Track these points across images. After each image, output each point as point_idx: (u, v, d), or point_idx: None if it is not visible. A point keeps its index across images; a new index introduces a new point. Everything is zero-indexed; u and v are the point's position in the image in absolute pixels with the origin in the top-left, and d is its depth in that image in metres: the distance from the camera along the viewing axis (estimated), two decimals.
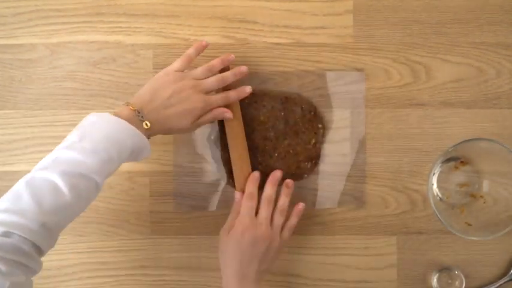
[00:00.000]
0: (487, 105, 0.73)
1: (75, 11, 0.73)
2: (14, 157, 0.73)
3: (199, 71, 0.66)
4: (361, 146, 0.73)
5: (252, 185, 0.68)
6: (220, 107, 0.66)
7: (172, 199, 0.73)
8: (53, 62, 0.73)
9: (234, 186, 0.71)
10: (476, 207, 0.72)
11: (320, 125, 0.72)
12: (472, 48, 0.73)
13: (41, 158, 0.72)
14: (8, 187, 0.73)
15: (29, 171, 0.73)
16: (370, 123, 0.73)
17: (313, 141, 0.72)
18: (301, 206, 0.69)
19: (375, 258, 0.73)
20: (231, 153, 0.69)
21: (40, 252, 0.54)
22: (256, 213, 0.66)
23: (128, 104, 0.61)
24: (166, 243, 0.73)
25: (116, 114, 0.59)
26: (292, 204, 0.69)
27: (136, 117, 0.60)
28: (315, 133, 0.72)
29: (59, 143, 0.72)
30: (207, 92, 0.65)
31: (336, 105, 0.73)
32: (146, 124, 0.60)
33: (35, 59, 0.73)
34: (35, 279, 0.73)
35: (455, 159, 0.73)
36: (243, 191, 0.68)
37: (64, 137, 0.72)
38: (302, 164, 0.72)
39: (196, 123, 0.65)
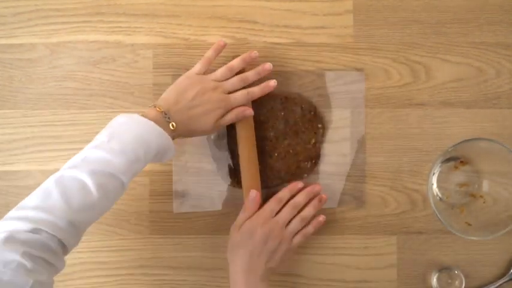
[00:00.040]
0: (487, 105, 0.73)
1: (75, 11, 0.73)
2: (14, 157, 0.73)
3: (219, 72, 0.67)
4: (361, 146, 0.73)
5: (287, 190, 0.69)
6: (242, 105, 0.67)
7: (173, 199, 0.73)
8: (53, 62, 0.73)
9: (236, 186, 0.71)
10: (476, 207, 0.72)
11: (320, 125, 0.72)
12: (472, 48, 0.73)
13: (41, 158, 0.73)
14: (8, 187, 0.73)
15: (28, 171, 0.74)
16: (370, 123, 0.73)
17: (313, 141, 0.72)
18: (322, 218, 0.70)
19: (375, 258, 0.73)
20: (240, 153, 0.69)
21: (65, 250, 0.55)
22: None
23: (155, 105, 0.63)
24: (166, 243, 0.73)
25: (143, 115, 0.61)
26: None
27: (163, 118, 0.62)
28: (315, 133, 0.72)
29: (59, 142, 0.73)
30: (229, 93, 0.67)
31: (335, 105, 0.73)
32: (172, 125, 0.62)
33: (35, 59, 0.73)
34: None
35: (455, 159, 0.73)
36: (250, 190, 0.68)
37: (64, 136, 0.73)
38: (302, 163, 0.72)
39: (218, 123, 0.66)
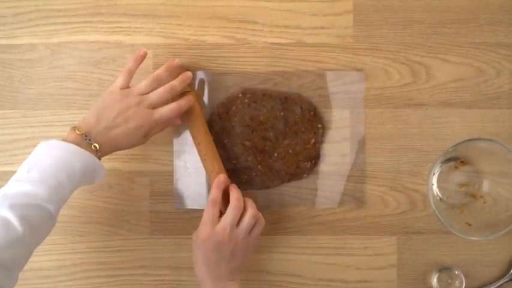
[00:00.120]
0: (487, 105, 0.73)
1: (75, 11, 0.73)
2: (14, 157, 0.73)
3: (143, 85, 0.64)
4: (361, 146, 0.73)
5: (215, 190, 0.65)
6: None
7: (173, 199, 0.73)
8: (53, 62, 0.73)
9: None
10: (476, 207, 0.72)
11: (320, 125, 0.72)
12: (472, 48, 0.73)
13: None
14: None
15: None
16: (370, 123, 0.73)
17: (313, 141, 0.72)
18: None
19: (375, 258, 0.73)
20: (198, 153, 0.69)
21: None
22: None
23: (74, 128, 0.61)
24: (166, 243, 0.73)
25: (63, 140, 0.59)
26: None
27: (84, 140, 0.60)
28: (315, 133, 0.72)
29: None
30: (155, 106, 0.64)
31: (335, 105, 0.73)
32: (95, 146, 0.60)
33: (35, 59, 0.73)
34: (35, 279, 0.73)
35: (455, 159, 0.73)
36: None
37: (63, 136, 0.73)
38: (302, 163, 0.72)
39: (147, 138, 0.65)
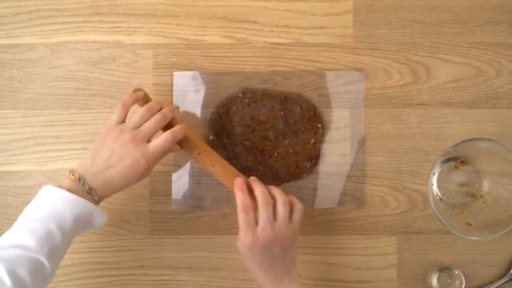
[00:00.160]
0: (487, 105, 0.73)
1: (75, 11, 0.73)
2: (14, 157, 0.73)
3: (136, 118, 0.62)
4: (361, 146, 0.73)
5: (240, 194, 0.62)
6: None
7: (172, 199, 0.73)
8: (53, 62, 0.73)
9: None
10: (476, 207, 0.72)
11: (320, 125, 0.72)
12: (472, 48, 0.73)
13: (41, 158, 0.73)
14: (8, 187, 0.73)
15: (28, 171, 0.74)
16: (370, 123, 0.73)
17: (313, 141, 0.72)
18: (290, 196, 0.64)
19: (375, 258, 0.73)
20: (202, 164, 0.67)
21: None
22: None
23: (70, 171, 0.59)
24: (166, 243, 0.73)
25: (59, 185, 0.58)
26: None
27: (79, 185, 0.58)
28: (315, 133, 0.72)
29: (59, 142, 0.73)
30: (149, 139, 0.62)
31: (335, 105, 0.73)
32: (90, 190, 0.58)
33: (35, 59, 0.73)
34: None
35: (455, 159, 0.73)
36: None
37: (64, 136, 0.73)
38: (301, 163, 0.72)
39: (147, 173, 0.62)
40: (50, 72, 0.73)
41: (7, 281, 0.51)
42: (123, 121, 0.63)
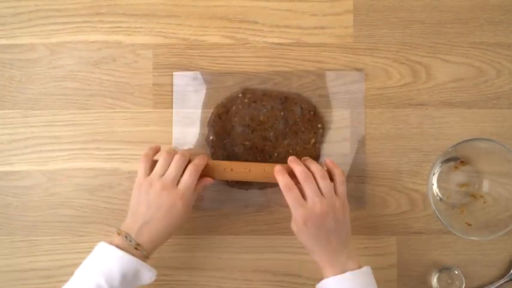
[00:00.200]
0: (487, 105, 0.73)
1: (75, 11, 0.73)
2: (14, 157, 0.73)
3: (159, 166, 0.64)
4: (361, 146, 0.73)
5: (281, 177, 0.64)
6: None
7: None
8: (53, 62, 0.73)
9: (235, 186, 0.71)
10: (476, 207, 0.72)
11: (319, 125, 0.72)
12: (472, 48, 0.73)
13: (41, 158, 0.73)
14: (8, 187, 0.73)
15: (28, 171, 0.74)
16: (370, 123, 0.73)
17: (313, 141, 0.72)
18: (328, 160, 0.67)
19: (375, 258, 0.73)
20: (238, 177, 0.68)
21: None
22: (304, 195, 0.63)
23: (117, 230, 0.63)
24: (167, 243, 0.73)
25: (109, 242, 0.61)
26: None
27: (126, 242, 0.61)
28: (315, 133, 0.72)
29: (59, 142, 0.73)
30: (177, 181, 0.64)
31: (335, 105, 0.73)
32: (138, 246, 0.61)
33: (35, 59, 0.73)
34: (35, 279, 0.73)
35: (455, 159, 0.73)
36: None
37: (64, 136, 0.73)
38: None
39: (188, 212, 0.64)
40: (49, 72, 0.73)
41: None
42: (149, 173, 0.65)
